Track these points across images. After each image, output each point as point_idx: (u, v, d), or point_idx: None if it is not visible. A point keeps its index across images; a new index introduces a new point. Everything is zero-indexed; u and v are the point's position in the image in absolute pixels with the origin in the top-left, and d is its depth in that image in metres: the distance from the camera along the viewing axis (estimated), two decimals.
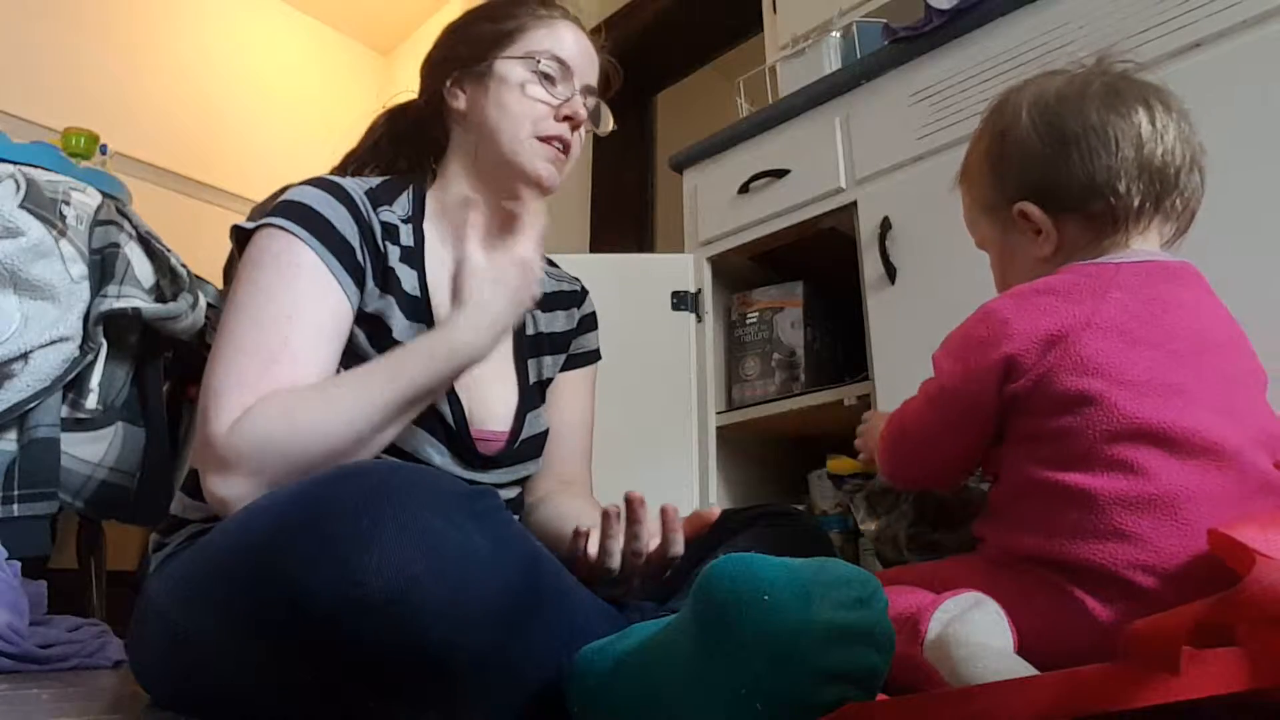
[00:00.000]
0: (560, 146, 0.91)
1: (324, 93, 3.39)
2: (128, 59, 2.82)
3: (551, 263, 1.08)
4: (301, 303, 0.75)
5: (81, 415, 1.45)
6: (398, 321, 0.82)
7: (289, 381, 0.71)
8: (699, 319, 1.71)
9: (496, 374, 0.91)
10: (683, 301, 1.70)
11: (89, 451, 1.46)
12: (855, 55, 1.64)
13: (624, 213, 2.80)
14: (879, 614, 0.39)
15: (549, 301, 1.02)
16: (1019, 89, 0.71)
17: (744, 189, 1.66)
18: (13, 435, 1.38)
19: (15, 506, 1.34)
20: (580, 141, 0.94)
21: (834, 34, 1.73)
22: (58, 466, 1.39)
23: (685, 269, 1.73)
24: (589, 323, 1.07)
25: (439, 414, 0.81)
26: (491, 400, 0.89)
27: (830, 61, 1.69)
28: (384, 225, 0.85)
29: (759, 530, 0.83)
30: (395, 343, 0.81)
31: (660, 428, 1.61)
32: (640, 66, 3.05)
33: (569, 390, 1.02)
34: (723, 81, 2.42)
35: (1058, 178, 0.65)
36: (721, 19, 2.56)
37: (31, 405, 1.38)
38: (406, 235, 0.87)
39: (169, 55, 2.94)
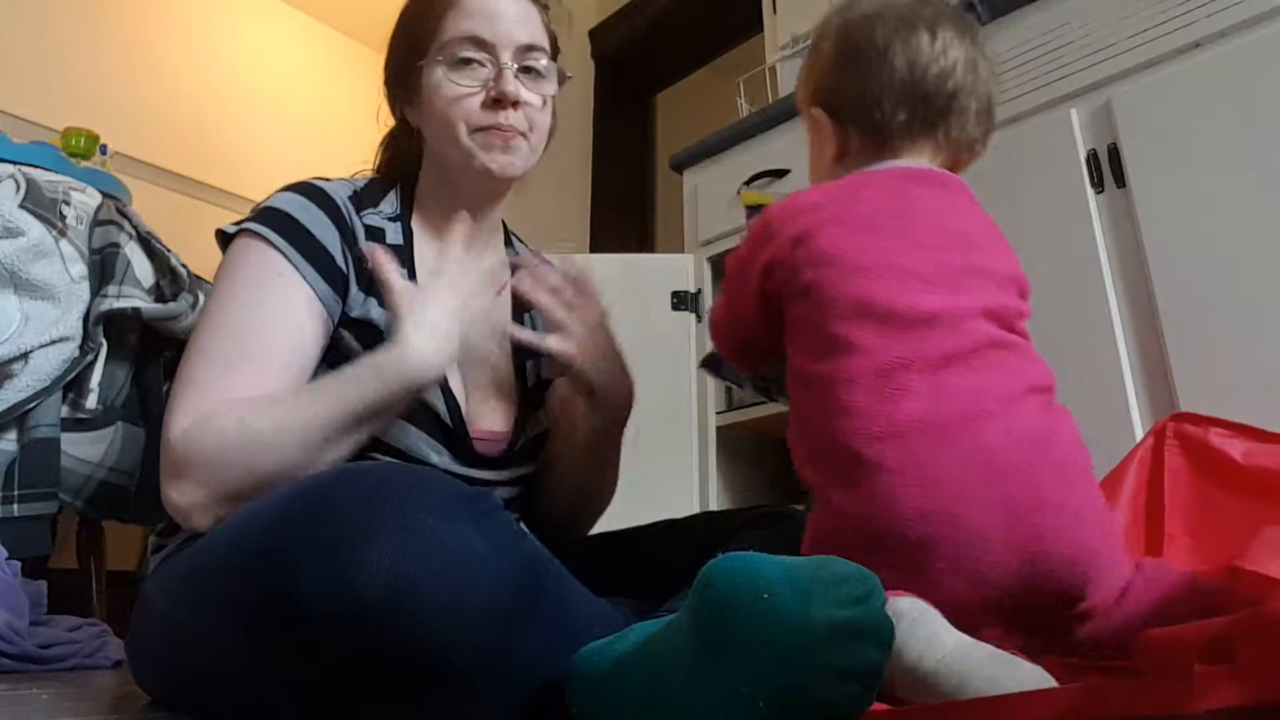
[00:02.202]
0: (502, 132, 0.84)
1: (324, 93, 3.39)
2: (128, 59, 2.82)
3: (546, 261, 1.08)
4: (269, 312, 0.74)
5: (81, 415, 1.45)
6: (383, 316, 0.81)
7: (247, 390, 0.70)
8: (699, 319, 1.71)
9: (495, 375, 0.91)
10: (683, 301, 1.70)
11: (89, 451, 1.46)
12: None
13: (624, 213, 2.81)
14: (879, 611, 0.39)
15: None
16: (846, 5, 0.75)
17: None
18: (13, 435, 1.38)
19: (15, 506, 1.34)
20: (542, 110, 0.87)
21: None
22: (58, 466, 1.39)
23: (685, 269, 1.73)
24: None
25: (435, 414, 0.81)
26: (490, 401, 0.88)
27: None
28: (368, 229, 0.84)
29: (759, 530, 0.83)
30: (379, 333, 0.80)
31: (660, 428, 1.61)
32: (640, 66, 3.06)
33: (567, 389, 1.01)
34: (723, 81, 2.41)
35: (840, 90, 0.71)
36: (721, 19, 2.56)
37: (31, 405, 1.38)
38: (394, 234, 0.86)
39: (169, 55, 2.94)
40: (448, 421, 0.82)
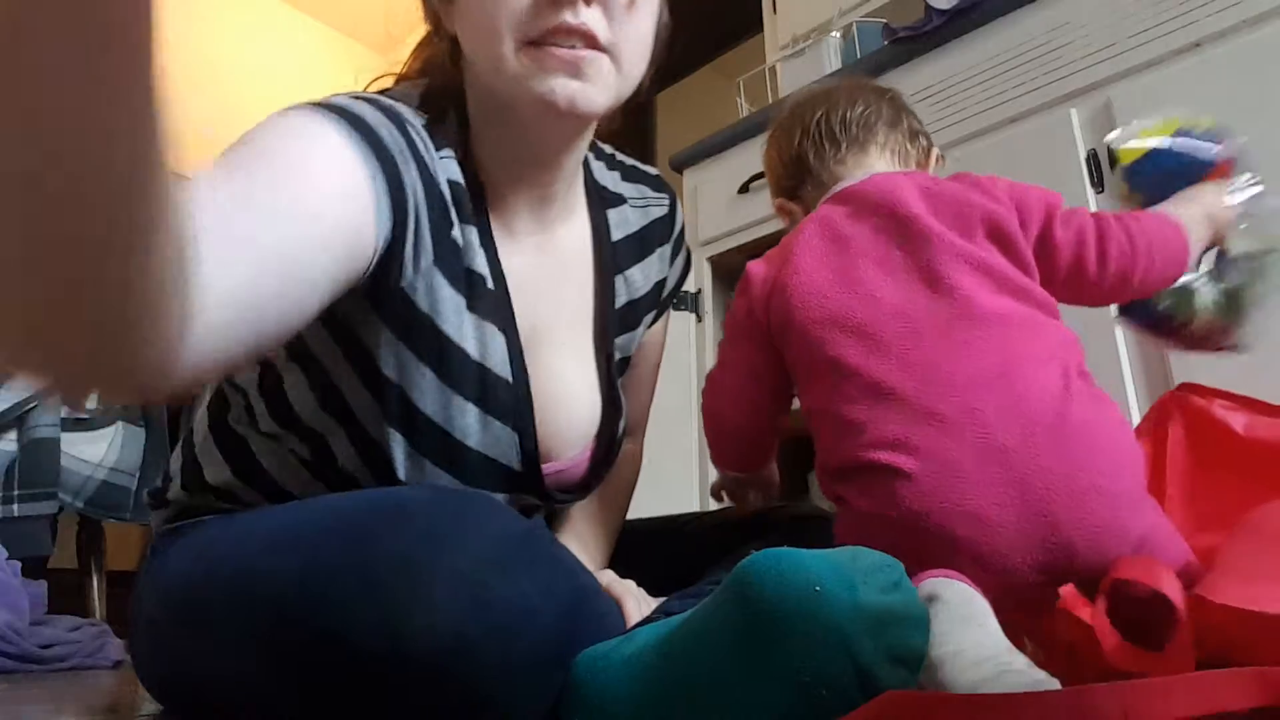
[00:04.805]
0: (568, 44, 0.57)
1: (324, 93, 3.39)
2: None
3: (627, 163, 0.81)
4: (288, 161, 0.51)
5: (81, 415, 1.45)
6: (460, 319, 0.61)
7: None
8: (699, 319, 1.71)
9: (576, 383, 0.73)
10: (683, 301, 1.70)
11: (89, 451, 1.46)
12: (855, 55, 1.64)
13: None
14: (914, 595, 0.41)
15: (640, 247, 0.78)
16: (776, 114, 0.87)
17: (744, 189, 1.66)
18: (13, 435, 1.38)
19: (15, 506, 1.34)
20: (631, 10, 0.60)
21: (834, 34, 1.73)
22: (58, 466, 1.39)
23: None
24: (678, 246, 0.83)
25: (502, 468, 0.66)
26: (572, 421, 0.72)
27: (830, 61, 1.70)
28: (450, 182, 0.61)
29: (788, 530, 0.81)
30: (449, 343, 0.61)
31: (660, 428, 1.61)
32: None
33: (647, 341, 0.85)
34: (723, 81, 2.42)
35: (784, 171, 0.81)
36: (721, 19, 2.56)
37: (31, 405, 1.38)
38: (464, 196, 0.63)
39: (170, 55, 2.94)
40: (519, 466, 0.67)
